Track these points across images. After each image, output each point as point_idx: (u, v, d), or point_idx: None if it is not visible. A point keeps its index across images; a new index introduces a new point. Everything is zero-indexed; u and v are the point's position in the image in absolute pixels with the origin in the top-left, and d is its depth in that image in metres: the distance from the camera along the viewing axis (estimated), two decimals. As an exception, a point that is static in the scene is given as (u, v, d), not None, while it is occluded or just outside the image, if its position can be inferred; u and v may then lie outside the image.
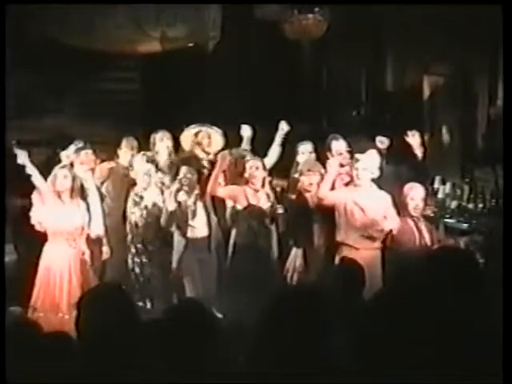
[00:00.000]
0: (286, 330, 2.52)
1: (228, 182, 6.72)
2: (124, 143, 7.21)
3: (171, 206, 6.31)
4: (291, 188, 6.72)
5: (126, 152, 7.14)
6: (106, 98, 9.50)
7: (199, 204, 6.43)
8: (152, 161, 6.81)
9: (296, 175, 6.66)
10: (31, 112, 9.09)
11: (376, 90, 9.51)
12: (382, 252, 6.22)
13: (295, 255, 6.43)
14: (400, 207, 6.21)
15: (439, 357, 2.53)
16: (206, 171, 6.81)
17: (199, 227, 6.43)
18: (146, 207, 6.58)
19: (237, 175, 6.74)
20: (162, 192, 6.65)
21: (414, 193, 6.18)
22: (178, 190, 6.34)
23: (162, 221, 6.39)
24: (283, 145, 7.03)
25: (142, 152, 6.96)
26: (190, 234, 6.40)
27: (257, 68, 9.48)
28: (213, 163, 6.84)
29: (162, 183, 6.75)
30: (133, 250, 6.63)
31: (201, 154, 7.09)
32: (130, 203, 6.66)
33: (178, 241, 6.44)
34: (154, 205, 6.60)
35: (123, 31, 8.08)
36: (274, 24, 8.48)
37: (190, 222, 6.40)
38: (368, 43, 9.09)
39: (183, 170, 6.46)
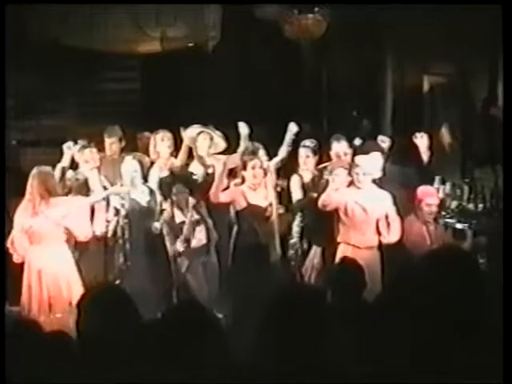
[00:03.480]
0: (286, 330, 2.52)
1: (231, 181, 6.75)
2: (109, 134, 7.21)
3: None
4: (315, 187, 6.66)
5: (113, 143, 7.15)
6: (106, 98, 9.50)
7: (196, 217, 6.43)
8: (140, 161, 6.78)
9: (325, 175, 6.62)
10: (31, 112, 9.09)
11: (376, 90, 9.51)
12: (381, 252, 6.23)
13: (314, 254, 6.46)
14: (412, 210, 6.22)
15: (440, 357, 2.53)
16: (201, 179, 6.81)
17: (199, 238, 6.45)
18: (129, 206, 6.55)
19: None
20: (151, 192, 6.61)
21: (430, 199, 6.21)
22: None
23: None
24: (291, 145, 7.00)
25: (133, 154, 6.97)
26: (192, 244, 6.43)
27: (257, 68, 9.48)
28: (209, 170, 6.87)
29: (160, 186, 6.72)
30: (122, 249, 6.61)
31: (198, 164, 7.06)
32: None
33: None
34: (138, 204, 6.57)
35: (123, 31, 8.08)
36: (274, 24, 8.47)
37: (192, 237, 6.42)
38: (368, 43, 9.09)
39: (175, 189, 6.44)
